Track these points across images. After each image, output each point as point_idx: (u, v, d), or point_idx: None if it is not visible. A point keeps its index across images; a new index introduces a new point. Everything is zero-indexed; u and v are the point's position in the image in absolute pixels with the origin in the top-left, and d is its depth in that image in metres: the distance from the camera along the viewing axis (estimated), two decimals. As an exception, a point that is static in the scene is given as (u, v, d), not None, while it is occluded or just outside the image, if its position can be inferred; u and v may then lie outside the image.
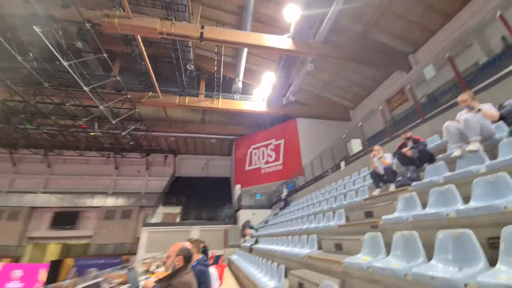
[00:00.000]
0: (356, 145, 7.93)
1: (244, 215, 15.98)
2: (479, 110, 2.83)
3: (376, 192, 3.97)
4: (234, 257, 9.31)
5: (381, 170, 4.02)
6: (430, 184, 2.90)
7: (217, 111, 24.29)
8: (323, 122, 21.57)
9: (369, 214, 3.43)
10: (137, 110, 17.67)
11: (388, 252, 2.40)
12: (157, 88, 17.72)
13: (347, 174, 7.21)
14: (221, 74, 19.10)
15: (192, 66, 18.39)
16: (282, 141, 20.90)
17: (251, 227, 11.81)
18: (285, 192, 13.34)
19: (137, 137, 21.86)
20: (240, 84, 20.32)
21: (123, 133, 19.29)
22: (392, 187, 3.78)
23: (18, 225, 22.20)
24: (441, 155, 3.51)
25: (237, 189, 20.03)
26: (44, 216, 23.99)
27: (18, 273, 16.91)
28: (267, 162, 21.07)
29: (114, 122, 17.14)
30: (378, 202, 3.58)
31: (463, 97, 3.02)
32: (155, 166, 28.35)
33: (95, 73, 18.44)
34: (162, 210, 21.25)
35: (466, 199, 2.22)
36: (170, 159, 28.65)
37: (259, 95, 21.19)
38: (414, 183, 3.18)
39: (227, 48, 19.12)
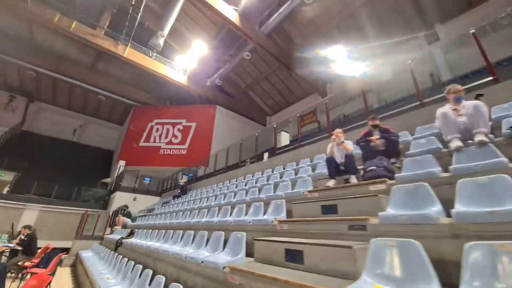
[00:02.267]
0: (284, 138, 7.36)
1: (121, 199, 12.34)
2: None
3: (331, 183, 3.06)
4: (86, 254, 6.32)
5: (339, 158, 3.18)
6: (428, 177, 2.17)
7: (117, 63, 18.66)
8: (241, 119, 21.05)
9: (329, 209, 2.37)
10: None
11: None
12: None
13: (269, 167, 6.38)
14: (139, 15, 14.66)
15: (98, -16, 13.06)
16: (193, 124, 18.52)
17: (127, 215, 8.87)
18: (184, 179, 11.20)
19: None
20: (161, 41, 16.49)
21: None
22: (353, 179, 2.98)
23: None
24: (407, 152, 3.01)
25: (119, 165, 15.66)
26: None
27: None
28: (169, 143, 17.96)
29: None
30: (338, 196, 2.62)
31: (459, 87, 2.59)
32: (-13, 106, 18.27)
33: None
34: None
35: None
36: (19, 103, 19.30)
37: (181, 64, 17.99)
38: (399, 175, 2.40)
39: (157, -10, 15.10)
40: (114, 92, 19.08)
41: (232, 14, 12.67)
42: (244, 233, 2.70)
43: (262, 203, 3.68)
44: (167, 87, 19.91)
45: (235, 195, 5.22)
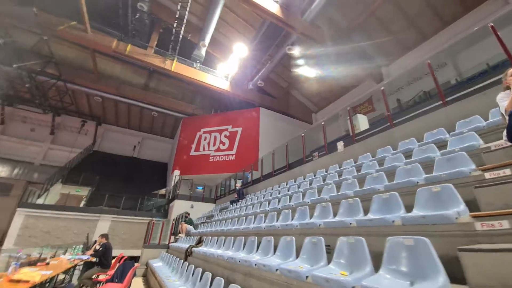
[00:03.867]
0: (363, 122, 6.09)
1: (180, 207, 12.50)
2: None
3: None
4: (156, 264, 6.05)
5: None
6: None
7: (166, 80, 19.94)
8: (285, 119, 20.12)
9: None
10: (45, 38, 12.09)
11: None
12: (86, 18, 12.52)
13: (346, 159, 5.21)
14: (182, 31, 15.29)
15: (145, 7, 14.01)
16: (239, 129, 18.30)
17: (190, 222, 8.66)
18: (238, 183, 10.68)
19: (41, 82, 15.47)
20: (203, 51, 16.86)
21: (20, 72, 12.99)
22: None
23: None
24: None
25: (175, 175, 16.21)
26: None
27: None
28: (218, 150, 18.03)
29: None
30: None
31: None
32: (66, 132, 21.32)
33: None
34: (60, 190, 15.39)
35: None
36: (89, 127, 22.06)
37: (222, 71, 18.16)
38: None
39: (195, 4, 15.57)
40: (164, 107, 20.31)
41: (273, 5, 12.06)
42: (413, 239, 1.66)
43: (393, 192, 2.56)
44: (211, 96, 20.38)
45: (338, 188, 4.14)
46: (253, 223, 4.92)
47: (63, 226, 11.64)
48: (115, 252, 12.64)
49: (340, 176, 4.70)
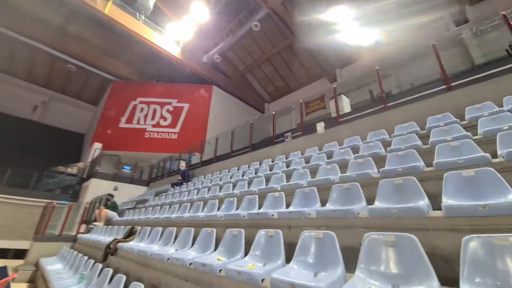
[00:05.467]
0: (346, 104, 5.57)
1: (98, 188, 9.75)
2: None
3: None
4: (52, 267, 4.06)
5: None
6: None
7: (94, 27, 15.43)
8: (238, 103, 19.00)
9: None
10: None
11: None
12: None
13: (327, 141, 4.61)
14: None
15: None
16: (186, 106, 16.08)
17: (113, 206, 6.53)
18: (183, 163, 8.93)
19: None
20: (151, 2, 13.76)
21: None
22: None
23: None
24: None
25: (94, 149, 12.84)
26: None
27: None
28: (157, 125, 15.36)
29: None
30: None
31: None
32: None
33: None
34: None
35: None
36: (-41, 68, 15.22)
37: (173, 34, 15.37)
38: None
39: None
40: (88, 62, 15.86)
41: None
42: None
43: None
44: (154, 61, 17.11)
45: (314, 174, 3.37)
46: (202, 210, 3.76)
47: None
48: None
49: (316, 161, 4.02)
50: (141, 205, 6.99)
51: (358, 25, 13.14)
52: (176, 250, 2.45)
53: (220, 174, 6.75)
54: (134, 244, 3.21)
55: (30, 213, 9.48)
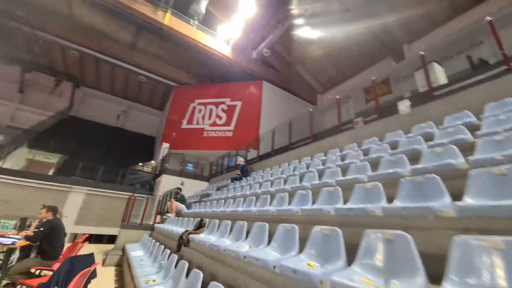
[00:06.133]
0: (440, 74, 4.50)
1: (168, 183, 10.81)
2: None
3: None
4: (135, 253, 4.44)
5: None
6: None
7: (157, 40, 17.25)
8: (289, 97, 18.37)
9: None
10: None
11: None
12: None
13: (400, 128, 3.71)
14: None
15: None
16: (239, 103, 16.40)
17: (182, 199, 7.05)
18: (241, 159, 9.00)
19: (11, 29, 12.63)
20: (203, 7, 14.43)
21: None
22: None
23: None
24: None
25: (163, 148, 14.33)
26: None
27: None
28: (214, 124, 16.16)
29: None
30: None
31: None
32: (37, 91, 18.46)
33: None
34: (26, 155, 13.15)
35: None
36: (65, 88, 19.27)
37: (223, 34, 15.85)
38: None
39: None
40: (154, 72, 17.85)
41: None
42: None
43: None
44: (208, 63, 18.06)
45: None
46: (270, 204, 3.42)
47: (25, 195, 9.68)
48: (89, 230, 10.93)
49: (407, 146, 3.17)
50: (205, 199, 7.27)
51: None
52: (250, 247, 2.18)
53: (279, 167, 6.40)
54: (205, 237, 3.13)
55: (118, 204, 11.16)
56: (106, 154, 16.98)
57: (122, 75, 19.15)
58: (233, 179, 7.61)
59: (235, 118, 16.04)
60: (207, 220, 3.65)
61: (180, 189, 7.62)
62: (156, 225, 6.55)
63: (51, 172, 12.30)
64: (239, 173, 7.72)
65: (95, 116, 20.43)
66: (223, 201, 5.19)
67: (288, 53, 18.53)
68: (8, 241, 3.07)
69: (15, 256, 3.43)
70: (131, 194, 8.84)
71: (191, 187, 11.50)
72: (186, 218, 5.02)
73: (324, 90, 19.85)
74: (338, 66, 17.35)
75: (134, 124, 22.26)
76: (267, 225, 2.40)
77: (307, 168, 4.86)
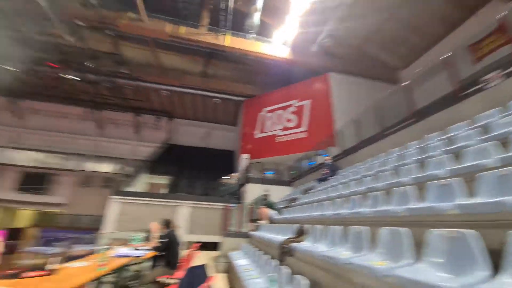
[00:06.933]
0: None
1: (253, 191, 11.35)
2: None
3: None
4: (240, 262, 4.64)
5: None
6: None
7: (222, 63, 19.12)
8: (362, 81, 16.34)
9: None
10: (109, 33, 12.65)
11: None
12: (141, 7, 12.41)
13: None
14: (231, 2, 13.80)
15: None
16: (307, 102, 15.83)
17: (270, 205, 7.17)
18: (327, 157, 8.36)
19: (120, 85, 16.93)
20: (256, 18, 14.92)
21: (99, 76, 14.48)
22: None
23: (-28, 184, 18.16)
24: None
25: (243, 159, 15.31)
26: (10, 176, 19.84)
27: None
28: (285, 129, 16.15)
29: (89, 64, 12.52)
30: None
31: None
32: (147, 129, 23.62)
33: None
34: (147, 180, 16.77)
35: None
36: (163, 123, 23.83)
37: (279, 39, 15.82)
38: None
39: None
40: (224, 92, 19.69)
41: None
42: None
43: None
44: (269, 71, 18.45)
45: None
46: (383, 203, 2.78)
47: (149, 211, 12.23)
48: (198, 238, 12.65)
49: None
50: (294, 203, 7.10)
51: None
52: (385, 261, 1.75)
53: (375, 159, 5.51)
54: (309, 245, 2.88)
55: (215, 214, 12.52)
56: (199, 172, 19.60)
57: (200, 101, 22.00)
58: (320, 180, 7.13)
59: (306, 118, 15.51)
60: (307, 226, 3.40)
61: (266, 194, 7.78)
62: (251, 232, 6.84)
63: (164, 191, 15.19)
64: (325, 171, 7.18)
65: (186, 141, 24.21)
66: (315, 203, 4.85)
67: (351, 35, 16.66)
68: (138, 253, 3.74)
69: (145, 265, 4.14)
70: (224, 204, 9.69)
71: (275, 193, 11.63)
72: (280, 225, 4.95)
73: (405, 64, 16.68)
74: (421, 30, 14.23)
75: (216, 142, 25.08)
76: (404, 230, 1.91)
77: (421, 154, 3.90)
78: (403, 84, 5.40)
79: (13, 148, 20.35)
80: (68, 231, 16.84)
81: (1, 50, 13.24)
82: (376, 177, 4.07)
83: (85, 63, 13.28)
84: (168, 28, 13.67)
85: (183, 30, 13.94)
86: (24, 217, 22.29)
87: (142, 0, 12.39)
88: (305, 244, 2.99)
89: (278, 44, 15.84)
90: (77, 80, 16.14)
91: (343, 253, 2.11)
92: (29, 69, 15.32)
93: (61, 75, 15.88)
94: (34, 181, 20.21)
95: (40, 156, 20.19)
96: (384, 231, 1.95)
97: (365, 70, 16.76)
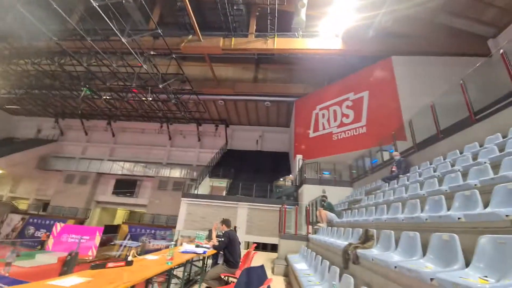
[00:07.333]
0: None
1: (309, 192, 10.86)
2: None
3: None
4: (299, 266, 4.42)
5: None
6: None
7: (271, 67, 19.33)
8: (435, 61, 13.69)
9: None
10: (174, 56, 14.40)
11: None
12: (197, 29, 13.75)
13: None
14: (276, 3, 13.79)
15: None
16: (365, 94, 14.29)
17: (329, 207, 6.64)
18: (396, 153, 7.23)
19: (184, 100, 19.07)
20: (303, 14, 14.45)
21: (169, 95, 16.81)
22: None
23: (86, 188, 23.45)
24: None
25: (298, 160, 14.88)
26: (109, 182, 24.87)
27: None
28: (341, 125, 14.97)
29: (161, 86, 14.82)
30: None
31: None
32: (207, 137, 25.92)
33: (137, 28, 16.22)
34: (209, 183, 18.24)
35: None
36: (221, 130, 25.64)
37: (329, 31, 14.87)
38: None
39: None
40: (274, 94, 19.77)
41: None
42: None
43: None
44: (320, 67, 17.58)
45: None
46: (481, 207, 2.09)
47: (212, 212, 13.20)
48: (256, 239, 12.90)
49: None
50: (356, 205, 6.39)
51: None
52: (486, 277, 1.30)
53: (460, 153, 4.41)
54: (379, 253, 2.46)
55: (272, 216, 12.52)
56: (255, 174, 20.13)
57: (253, 106, 22.69)
58: (387, 179, 6.21)
59: (364, 111, 13.99)
60: (374, 231, 2.95)
61: (325, 196, 7.27)
62: (309, 235, 6.47)
63: (224, 193, 16.19)
64: (393, 169, 6.22)
65: (242, 145, 25.35)
66: (383, 205, 4.20)
67: (418, 8, 14.20)
68: (202, 250, 3.99)
69: (209, 262, 4.37)
70: (280, 205, 9.57)
71: (333, 195, 10.80)
72: (341, 228, 4.49)
73: (498, 30, 13.17)
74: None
75: (269, 145, 25.37)
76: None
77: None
78: (501, 50, 4.09)
79: (109, 160, 25.53)
80: (150, 228, 19.91)
81: (99, 83, 16.89)
82: (466, 173, 3.23)
83: (159, 86, 15.52)
84: (221, 42, 14.69)
85: (234, 42, 14.74)
86: (120, 216, 27.60)
87: (197, 23, 13.77)
88: (374, 252, 2.57)
89: (327, 37, 14.93)
90: (153, 100, 19.10)
91: (427, 266, 1.68)
92: (120, 96, 18.99)
93: (142, 98, 19.09)
94: (125, 186, 24.65)
95: (128, 165, 24.64)
96: (482, 240, 1.46)
97: (438, 46, 14.04)
